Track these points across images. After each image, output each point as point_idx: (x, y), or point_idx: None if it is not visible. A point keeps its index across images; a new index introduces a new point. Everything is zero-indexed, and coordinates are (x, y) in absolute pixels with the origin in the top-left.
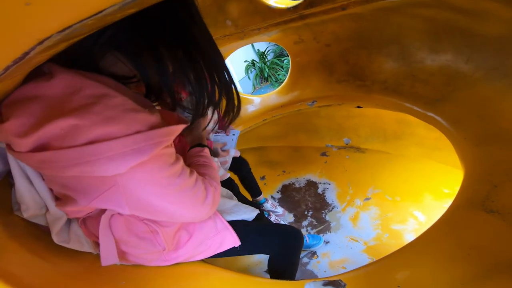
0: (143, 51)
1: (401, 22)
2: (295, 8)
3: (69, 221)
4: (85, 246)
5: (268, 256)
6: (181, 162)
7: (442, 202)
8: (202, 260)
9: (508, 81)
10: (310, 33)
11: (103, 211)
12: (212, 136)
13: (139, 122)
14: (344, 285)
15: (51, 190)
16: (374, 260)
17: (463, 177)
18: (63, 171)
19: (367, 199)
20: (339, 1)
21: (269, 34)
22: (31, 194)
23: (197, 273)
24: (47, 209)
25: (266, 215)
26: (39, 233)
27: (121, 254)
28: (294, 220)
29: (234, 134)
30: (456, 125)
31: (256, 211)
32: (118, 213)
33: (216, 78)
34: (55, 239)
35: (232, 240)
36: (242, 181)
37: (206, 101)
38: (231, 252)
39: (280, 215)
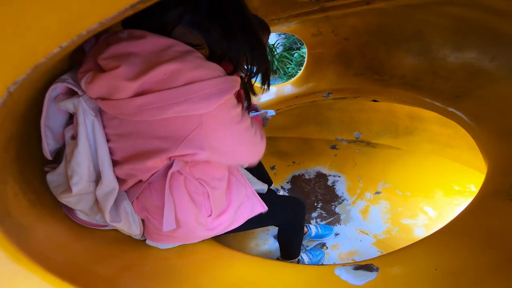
0: (211, 26)
1: (425, 19)
2: (317, 0)
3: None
4: (133, 227)
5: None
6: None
7: (452, 198)
8: (222, 246)
9: None
10: (329, 26)
11: (163, 176)
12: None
13: (218, 69)
14: (377, 268)
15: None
16: (384, 253)
17: (487, 169)
18: (161, 112)
19: (378, 193)
20: None
21: (288, 25)
22: (89, 162)
23: (221, 258)
24: (96, 186)
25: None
26: (63, 216)
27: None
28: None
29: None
30: (477, 121)
31: (266, 185)
32: (178, 171)
33: (260, 48)
34: (108, 218)
35: (260, 205)
36: (252, 170)
37: (256, 66)
38: (254, 221)
39: None
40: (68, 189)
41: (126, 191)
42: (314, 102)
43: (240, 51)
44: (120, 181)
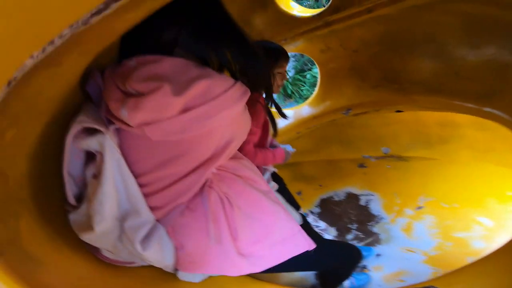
0: (205, 48)
1: (434, 20)
2: (319, 15)
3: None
4: (166, 256)
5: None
6: None
7: (508, 205)
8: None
9: None
10: (336, 40)
11: (198, 194)
12: None
13: (230, 79)
14: None
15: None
16: (440, 271)
17: None
18: (208, 122)
19: (420, 208)
20: (365, 4)
21: (295, 44)
22: (113, 201)
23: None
24: (123, 221)
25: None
26: (86, 252)
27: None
28: (337, 234)
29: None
30: None
31: (298, 216)
32: (210, 186)
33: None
34: (139, 247)
35: (306, 242)
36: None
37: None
38: (295, 262)
39: (323, 230)
40: (90, 227)
41: (160, 219)
42: (334, 121)
43: (235, 66)
44: (156, 209)
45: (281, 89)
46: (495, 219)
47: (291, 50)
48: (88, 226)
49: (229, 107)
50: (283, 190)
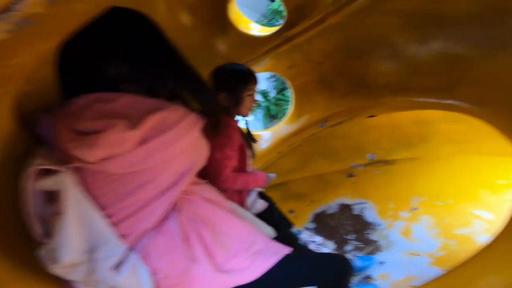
0: (150, 79)
1: (380, 22)
2: (278, 32)
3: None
4: (144, 284)
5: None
6: None
7: (501, 194)
8: None
9: (508, 51)
10: (300, 54)
11: (166, 218)
12: None
13: (183, 109)
14: None
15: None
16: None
17: None
18: (168, 151)
19: (414, 209)
20: (315, 15)
21: (262, 64)
22: (77, 234)
23: None
24: (93, 252)
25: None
26: (57, 284)
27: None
28: (336, 247)
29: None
30: (481, 103)
31: (271, 229)
32: (177, 210)
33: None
34: (110, 275)
35: (282, 247)
36: (270, 219)
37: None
38: (283, 278)
39: (320, 244)
40: (58, 260)
41: (132, 245)
42: (314, 135)
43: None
44: (126, 236)
45: (265, 111)
46: (493, 211)
47: (259, 70)
48: (56, 259)
49: (186, 135)
50: (271, 209)
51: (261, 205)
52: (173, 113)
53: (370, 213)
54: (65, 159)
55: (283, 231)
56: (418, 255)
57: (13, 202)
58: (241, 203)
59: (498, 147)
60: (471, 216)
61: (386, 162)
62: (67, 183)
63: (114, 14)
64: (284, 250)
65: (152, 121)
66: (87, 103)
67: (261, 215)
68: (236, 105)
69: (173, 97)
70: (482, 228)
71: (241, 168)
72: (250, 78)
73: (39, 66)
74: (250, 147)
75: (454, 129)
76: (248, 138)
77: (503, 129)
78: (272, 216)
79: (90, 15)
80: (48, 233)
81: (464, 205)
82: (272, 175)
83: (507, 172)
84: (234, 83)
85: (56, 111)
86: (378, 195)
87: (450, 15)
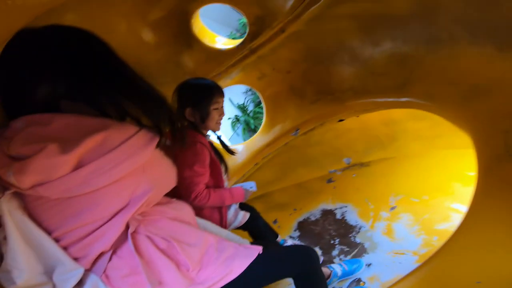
0: (92, 96)
1: (335, 28)
2: (243, 44)
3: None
4: None
5: None
6: None
7: (473, 186)
8: None
9: (448, 46)
10: (268, 65)
11: (124, 240)
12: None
13: (132, 127)
14: None
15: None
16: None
17: (473, 142)
18: (111, 174)
19: (393, 208)
20: (276, 25)
21: (231, 77)
22: (26, 257)
23: None
24: (51, 273)
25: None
26: None
27: None
28: (322, 252)
29: (251, 186)
30: (432, 98)
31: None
32: (136, 231)
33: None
34: None
35: (253, 249)
36: (254, 228)
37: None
38: (259, 275)
39: None
40: (13, 282)
41: (90, 268)
42: (288, 144)
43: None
44: (80, 259)
45: (244, 126)
46: (468, 203)
47: (228, 83)
48: (11, 281)
49: (132, 156)
50: (255, 219)
51: (243, 216)
52: (117, 132)
53: (352, 216)
54: (3, 185)
55: (269, 240)
56: (403, 254)
57: None
58: (222, 219)
59: (462, 140)
60: (448, 209)
61: (362, 165)
62: (4, 209)
63: (50, 31)
64: (255, 250)
65: (90, 143)
66: (22, 126)
67: (245, 226)
68: (203, 120)
69: (124, 115)
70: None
71: (216, 184)
72: (215, 91)
73: None
74: (223, 162)
75: (419, 127)
76: (220, 153)
77: (455, 121)
78: (256, 225)
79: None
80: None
81: (440, 200)
82: (250, 184)
83: (475, 163)
84: (199, 97)
85: None
86: (357, 197)
87: (394, 14)
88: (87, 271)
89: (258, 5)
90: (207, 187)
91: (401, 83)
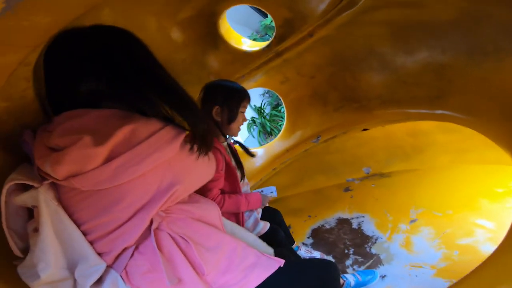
0: (129, 96)
1: (366, 33)
2: (268, 47)
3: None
4: None
5: None
6: None
7: (502, 203)
8: None
9: (493, 58)
10: (292, 68)
11: (147, 237)
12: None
13: (158, 122)
14: None
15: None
16: (454, 282)
17: None
18: (138, 168)
19: (413, 221)
20: (304, 28)
21: (254, 79)
22: (55, 250)
23: None
24: (73, 269)
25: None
26: None
27: None
28: (335, 261)
29: (272, 192)
30: (471, 112)
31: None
32: (158, 228)
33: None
34: None
35: (274, 261)
36: (273, 239)
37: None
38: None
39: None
40: (37, 276)
41: (111, 264)
42: (309, 150)
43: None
44: (104, 254)
45: (260, 128)
46: (494, 219)
47: (252, 85)
48: (35, 275)
49: (158, 150)
50: (275, 230)
51: (262, 227)
52: (144, 126)
53: (369, 227)
54: (42, 175)
55: (286, 247)
56: (420, 267)
57: None
58: (239, 224)
59: (494, 155)
60: (472, 225)
61: (382, 175)
62: (41, 198)
63: (95, 31)
64: (277, 263)
65: (119, 135)
66: (62, 120)
67: (264, 236)
68: (230, 121)
69: (158, 115)
70: (484, 237)
71: (232, 189)
72: (246, 95)
73: (14, 81)
74: (240, 167)
75: (449, 139)
76: (238, 158)
77: (494, 137)
78: (275, 237)
79: (53, 29)
80: (27, 249)
81: (464, 214)
82: (271, 189)
83: (505, 179)
84: (232, 97)
85: (39, 130)
86: (376, 208)
87: (433, 22)
88: (108, 267)
89: (288, 8)
90: (222, 192)
91: (436, 94)
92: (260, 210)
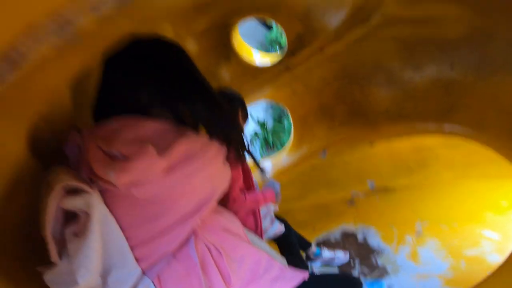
0: (176, 105)
1: (375, 49)
2: (279, 61)
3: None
4: None
5: None
6: None
7: (507, 215)
8: None
9: (501, 73)
10: (300, 83)
11: (185, 244)
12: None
13: (206, 137)
14: None
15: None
16: None
17: None
18: (193, 180)
19: (419, 233)
20: (314, 43)
21: (264, 92)
22: (98, 256)
23: None
24: (107, 276)
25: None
26: None
27: None
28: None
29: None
30: (481, 127)
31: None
32: (195, 235)
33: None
34: None
35: (299, 273)
36: (286, 244)
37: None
38: None
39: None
40: (73, 282)
41: (145, 270)
42: (314, 165)
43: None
44: (141, 260)
45: (262, 141)
46: (500, 231)
47: (260, 97)
48: (72, 282)
49: (210, 164)
50: (287, 237)
51: (278, 228)
52: (197, 141)
53: (374, 239)
54: (92, 180)
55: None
56: (427, 277)
57: (13, 227)
58: (256, 225)
59: (498, 170)
60: (478, 236)
61: (386, 189)
62: (95, 204)
63: (155, 43)
64: (300, 276)
65: (179, 149)
66: (118, 126)
67: (279, 239)
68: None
69: (198, 125)
70: (491, 248)
71: (248, 187)
72: (240, 103)
73: (63, 89)
74: (256, 162)
75: (452, 155)
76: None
77: (504, 152)
78: (287, 242)
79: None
80: (62, 254)
81: (470, 226)
82: (277, 184)
83: (509, 193)
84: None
85: (86, 132)
86: (381, 221)
87: (443, 38)
88: (141, 273)
89: (302, 22)
90: (240, 190)
91: (445, 109)
92: (273, 209)
